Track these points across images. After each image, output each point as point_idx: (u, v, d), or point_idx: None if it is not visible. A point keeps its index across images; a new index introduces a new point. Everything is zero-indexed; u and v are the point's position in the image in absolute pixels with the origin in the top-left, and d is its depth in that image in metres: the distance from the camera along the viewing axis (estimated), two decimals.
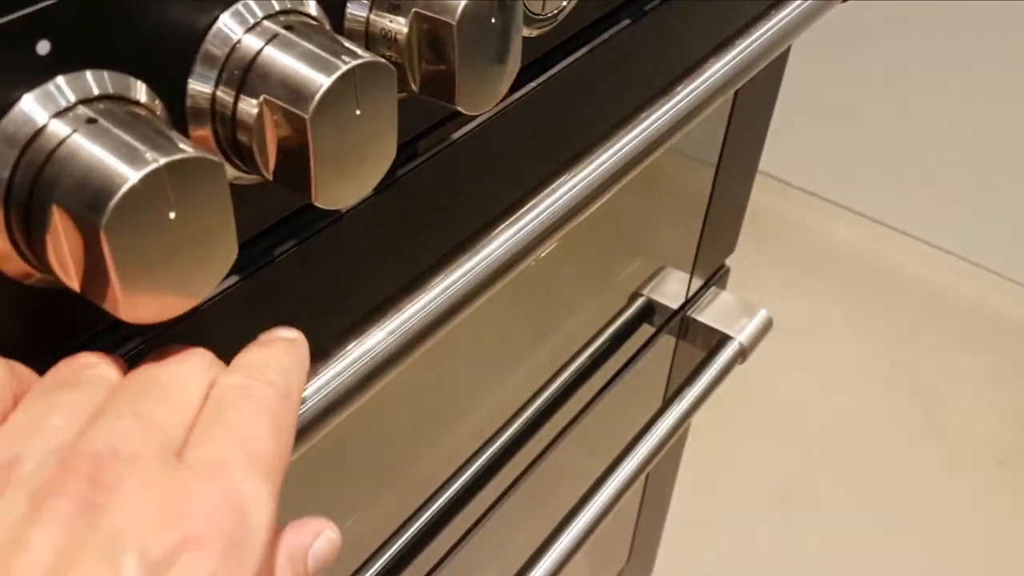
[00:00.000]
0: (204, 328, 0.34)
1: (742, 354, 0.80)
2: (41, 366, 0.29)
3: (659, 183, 0.69)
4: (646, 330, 0.78)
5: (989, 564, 1.40)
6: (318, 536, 0.30)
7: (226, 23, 0.31)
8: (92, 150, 0.26)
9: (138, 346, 0.34)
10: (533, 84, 0.47)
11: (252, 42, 0.31)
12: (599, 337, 0.73)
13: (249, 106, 0.30)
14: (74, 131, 0.26)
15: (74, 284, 0.27)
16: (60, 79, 0.27)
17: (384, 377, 0.37)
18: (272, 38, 0.31)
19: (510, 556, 0.71)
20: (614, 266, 0.71)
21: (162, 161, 0.26)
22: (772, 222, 1.86)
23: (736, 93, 0.67)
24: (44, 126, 0.27)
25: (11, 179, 0.27)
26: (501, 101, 0.38)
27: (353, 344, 0.36)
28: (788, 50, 0.66)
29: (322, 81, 0.30)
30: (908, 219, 1.87)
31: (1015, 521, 1.44)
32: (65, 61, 0.27)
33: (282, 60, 0.30)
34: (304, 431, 0.34)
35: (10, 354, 0.29)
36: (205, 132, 0.31)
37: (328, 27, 0.34)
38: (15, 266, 0.28)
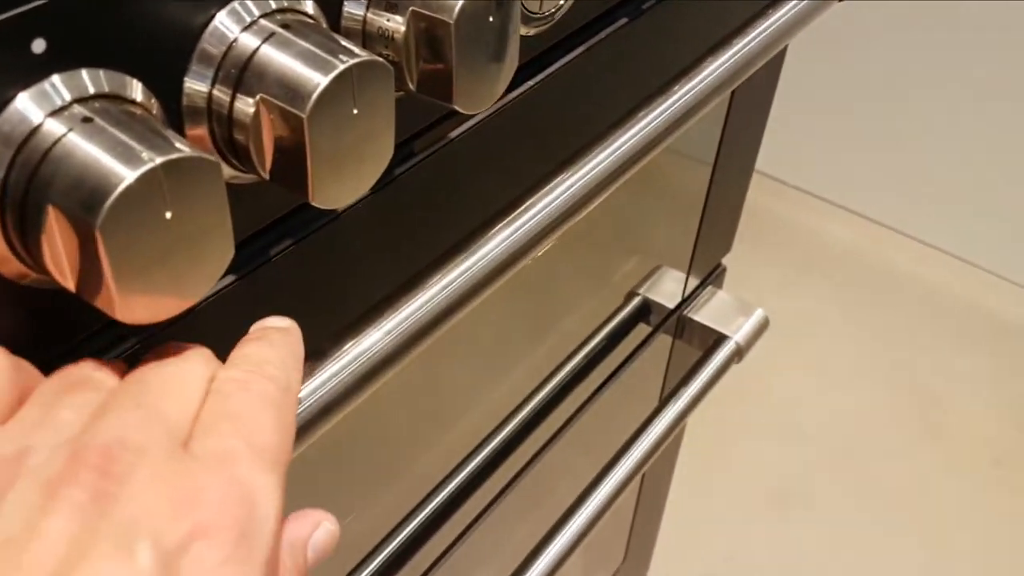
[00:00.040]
0: (200, 328, 0.34)
1: (738, 353, 0.80)
2: (37, 366, 0.29)
3: (656, 182, 0.69)
4: (642, 329, 0.78)
5: (985, 563, 1.40)
6: (317, 527, 0.30)
7: (223, 21, 0.30)
8: (88, 149, 0.26)
9: (133, 346, 0.34)
10: (530, 83, 0.47)
11: (249, 40, 0.30)
12: (595, 336, 0.73)
13: (246, 105, 0.30)
14: (70, 130, 0.26)
15: (69, 284, 0.27)
16: (55, 78, 0.27)
17: (381, 378, 0.37)
18: (269, 36, 0.30)
19: (506, 556, 0.71)
20: (610, 265, 0.71)
21: (158, 160, 0.26)
22: (769, 221, 1.86)
23: (733, 92, 0.67)
24: (39, 125, 0.26)
25: (6, 178, 0.26)
26: (498, 100, 0.38)
27: (350, 344, 0.36)
28: (785, 50, 0.66)
29: (319, 80, 0.30)
30: (904, 218, 1.87)
31: (1011, 520, 1.44)
32: (61, 59, 0.27)
33: (279, 59, 0.30)
34: (301, 432, 0.34)
35: None
36: (201, 131, 0.31)
37: (325, 25, 0.34)
38: (10, 266, 0.28)
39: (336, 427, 0.37)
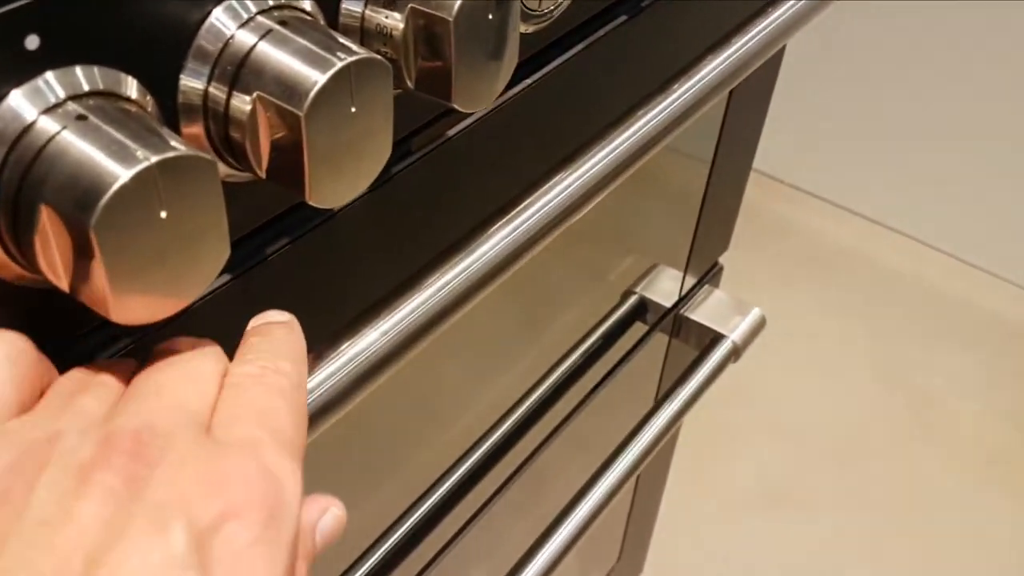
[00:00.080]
0: (195, 328, 0.34)
1: (735, 353, 0.80)
2: None
3: (653, 180, 0.69)
4: (639, 328, 0.78)
5: (980, 563, 1.40)
6: (324, 512, 0.31)
7: (219, 18, 0.30)
8: (82, 147, 0.26)
9: (128, 346, 0.33)
10: (529, 81, 0.47)
11: (246, 37, 0.30)
12: (592, 335, 0.72)
13: (242, 103, 0.30)
14: (64, 128, 0.26)
15: (63, 285, 0.27)
16: (49, 75, 0.27)
17: (378, 378, 0.37)
18: (266, 33, 0.30)
19: (502, 555, 0.71)
20: (607, 263, 0.71)
21: (153, 159, 0.25)
22: (766, 221, 1.86)
23: (731, 91, 0.67)
24: (33, 123, 0.26)
25: None
26: (497, 98, 0.38)
27: (347, 344, 0.36)
28: (783, 49, 0.66)
29: (317, 78, 0.29)
30: (902, 218, 1.87)
31: (1005, 520, 1.45)
32: (55, 56, 0.27)
33: (276, 56, 0.30)
34: None
35: None
36: (197, 129, 0.31)
37: (323, 22, 0.33)
38: (3, 266, 0.28)
39: (331, 424, 0.36)
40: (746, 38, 0.53)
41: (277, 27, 0.30)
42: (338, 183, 0.32)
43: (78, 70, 0.27)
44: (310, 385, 0.35)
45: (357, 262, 0.43)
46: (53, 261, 0.26)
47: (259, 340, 0.31)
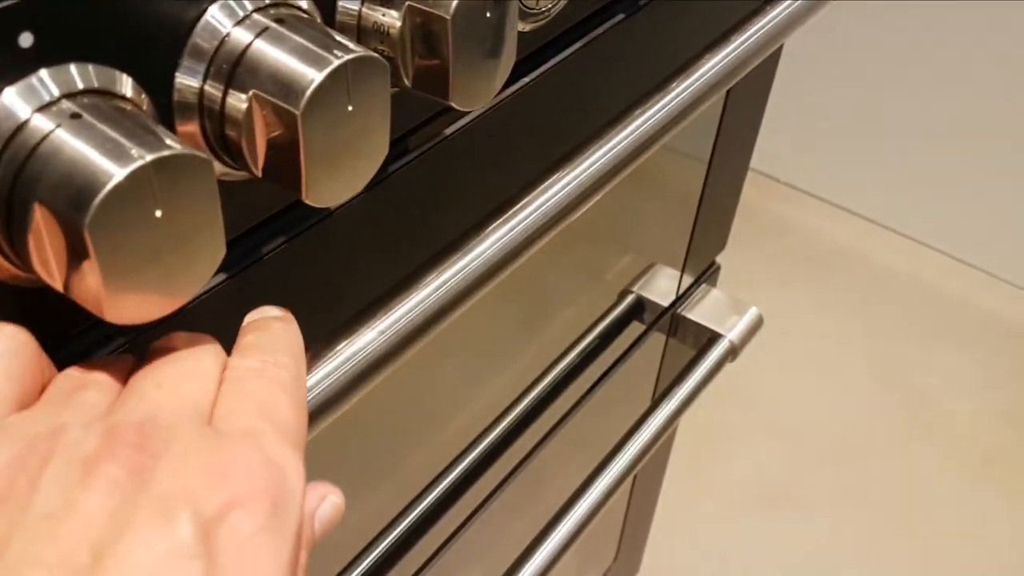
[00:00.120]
0: (191, 327, 0.34)
1: (732, 352, 0.80)
2: None
3: (651, 180, 0.69)
4: (636, 327, 0.78)
5: (976, 561, 1.40)
6: (323, 500, 0.31)
7: (215, 16, 0.30)
8: (76, 146, 0.25)
9: (122, 345, 0.33)
10: (526, 80, 0.47)
11: (241, 35, 0.30)
12: (588, 334, 0.72)
13: (238, 101, 0.30)
14: (58, 126, 0.26)
15: (57, 284, 0.26)
16: (43, 72, 0.26)
17: (375, 378, 0.37)
18: (262, 31, 0.30)
19: (499, 555, 0.71)
20: (604, 263, 0.71)
21: (148, 158, 0.25)
22: (763, 220, 1.86)
23: (728, 90, 0.67)
24: (26, 121, 0.26)
25: None
26: (494, 96, 0.38)
27: (343, 344, 0.36)
28: (780, 48, 0.66)
29: (313, 76, 0.29)
30: (899, 217, 1.87)
31: (1002, 518, 1.45)
32: (49, 54, 0.26)
33: (272, 54, 0.30)
34: None
35: None
36: (192, 127, 0.31)
37: (319, 20, 0.33)
38: None
39: (328, 424, 0.36)
40: (743, 37, 0.53)
41: (273, 25, 0.30)
42: (335, 182, 0.32)
43: (72, 68, 0.27)
44: (307, 384, 0.35)
45: (354, 261, 0.43)
46: (47, 260, 0.26)
47: (257, 335, 0.31)
